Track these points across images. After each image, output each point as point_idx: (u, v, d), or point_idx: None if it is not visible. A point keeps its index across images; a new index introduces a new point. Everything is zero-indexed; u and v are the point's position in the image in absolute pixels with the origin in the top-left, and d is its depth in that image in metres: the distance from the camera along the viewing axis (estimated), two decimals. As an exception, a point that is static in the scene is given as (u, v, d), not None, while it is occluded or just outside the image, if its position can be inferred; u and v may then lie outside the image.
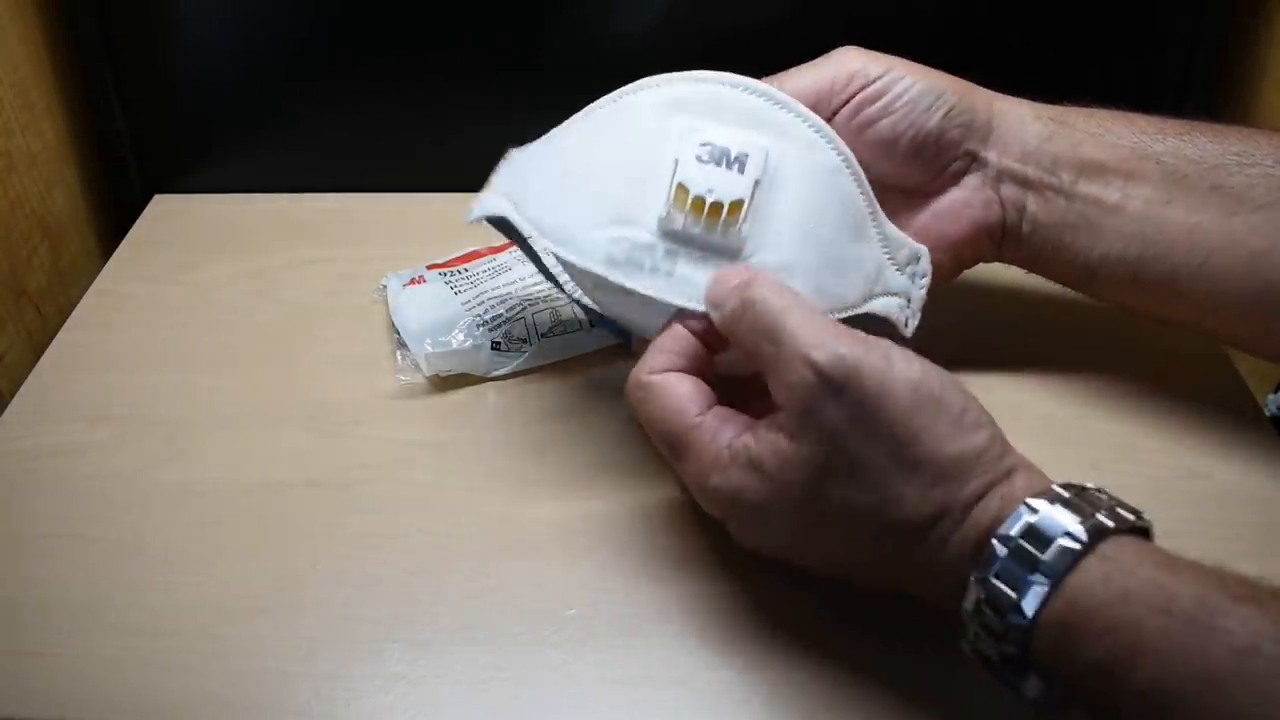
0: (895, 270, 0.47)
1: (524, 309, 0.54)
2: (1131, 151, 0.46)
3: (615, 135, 0.45)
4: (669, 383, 0.41)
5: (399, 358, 0.54)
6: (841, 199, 0.44)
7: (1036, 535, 0.34)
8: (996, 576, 0.34)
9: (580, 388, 0.53)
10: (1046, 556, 0.34)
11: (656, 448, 0.42)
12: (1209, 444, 0.49)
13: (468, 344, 0.53)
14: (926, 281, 0.48)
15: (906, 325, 0.47)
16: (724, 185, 0.42)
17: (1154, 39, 0.63)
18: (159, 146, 0.68)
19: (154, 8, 0.63)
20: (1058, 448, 0.48)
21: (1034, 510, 0.35)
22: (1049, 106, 0.48)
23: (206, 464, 0.50)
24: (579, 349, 0.55)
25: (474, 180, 0.67)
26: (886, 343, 0.38)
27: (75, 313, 0.59)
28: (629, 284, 0.43)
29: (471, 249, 0.59)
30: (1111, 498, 0.36)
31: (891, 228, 0.46)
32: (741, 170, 0.42)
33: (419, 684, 0.41)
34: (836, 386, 0.36)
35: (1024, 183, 0.48)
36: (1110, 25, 0.62)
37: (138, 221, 0.66)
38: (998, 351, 0.50)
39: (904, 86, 0.47)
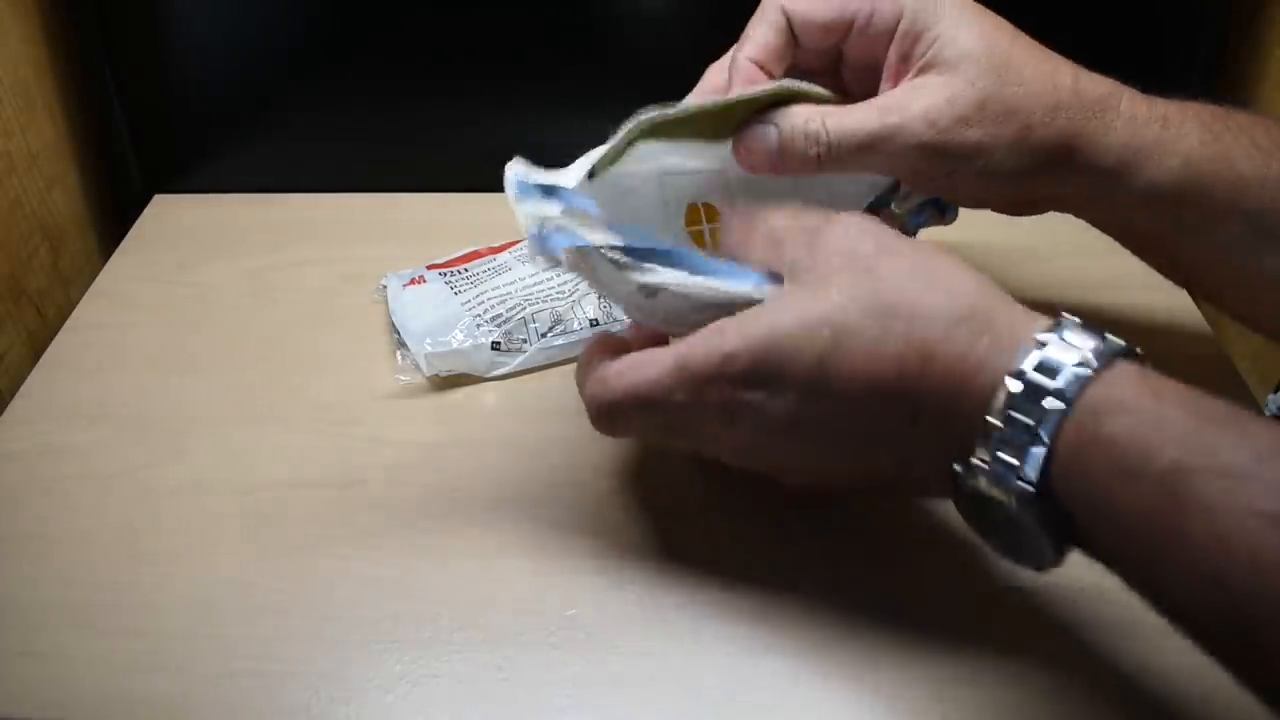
0: None
1: (524, 309, 0.54)
2: (1215, 209, 0.44)
3: None
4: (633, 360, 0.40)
5: (399, 358, 0.54)
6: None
7: (1085, 328, 0.35)
8: (1038, 369, 0.34)
9: (580, 388, 0.53)
10: (1095, 344, 0.34)
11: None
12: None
13: (468, 344, 0.53)
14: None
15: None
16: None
17: (1154, 39, 0.63)
18: (159, 146, 0.68)
19: (154, 8, 0.63)
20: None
21: (1074, 320, 0.35)
22: (1139, 148, 0.43)
23: (206, 464, 0.50)
24: (579, 349, 0.55)
25: (474, 180, 0.67)
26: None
27: (75, 313, 0.59)
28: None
29: (472, 249, 0.59)
30: None
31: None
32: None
33: (419, 684, 0.41)
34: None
35: (1088, 213, 0.47)
36: (1110, 26, 0.62)
37: (138, 221, 0.66)
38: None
39: (977, 169, 0.43)
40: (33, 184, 0.63)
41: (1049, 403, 0.33)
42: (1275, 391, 0.61)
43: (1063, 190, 0.45)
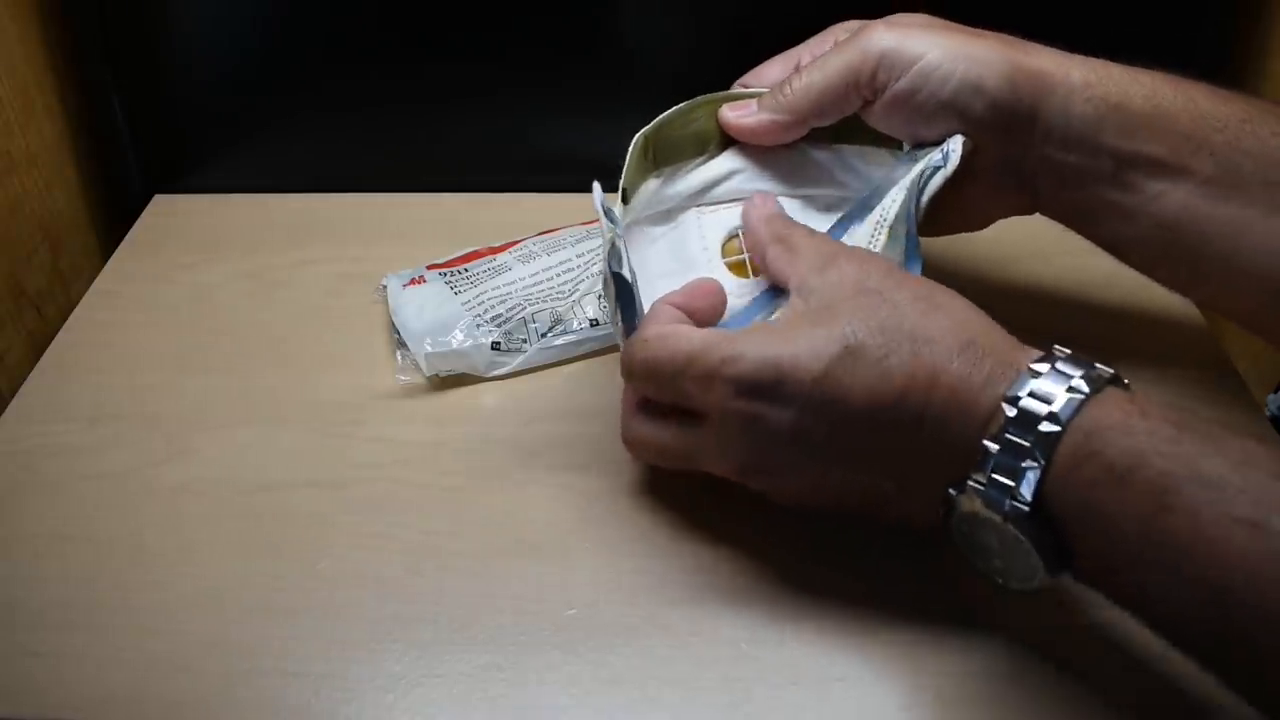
0: None
1: (524, 309, 0.54)
2: (1185, 142, 0.44)
3: None
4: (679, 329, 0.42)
5: (399, 358, 0.54)
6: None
7: (1075, 360, 0.36)
8: (1033, 395, 0.35)
9: (580, 388, 0.53)
10: (1085, 372, 0.36)
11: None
12: (1209, 444, 0.49)
13: (468, 344, 0.53)
14: None
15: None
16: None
17: (1154, 44, 0.63)
18: (160, 146, 0.68)
19: (154, 7, 0.63)
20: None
21: (1065, 351, 0.37)
22: (1104, 76, 0.46)
23: (206, 464, 0.50)
24: (579, 349, 0.55)
25: (474, 180, 0.67)
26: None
27: (75, 313, 0.59)
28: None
29: (471, 249, 0.59)
30: None
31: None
32: None
33: (419, 684, 0.41)
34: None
35: (1059, 173, 0.46)
36: (1109, 29, 0.62)
37: (138, 221, 0.66)
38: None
39: (937, 83, 0.45)
40: (33, 184, 0.63)
41: (1044, 426, 0.35)
42: (1275, 391, 0.61)
43: (1034, 124, 0.45)
